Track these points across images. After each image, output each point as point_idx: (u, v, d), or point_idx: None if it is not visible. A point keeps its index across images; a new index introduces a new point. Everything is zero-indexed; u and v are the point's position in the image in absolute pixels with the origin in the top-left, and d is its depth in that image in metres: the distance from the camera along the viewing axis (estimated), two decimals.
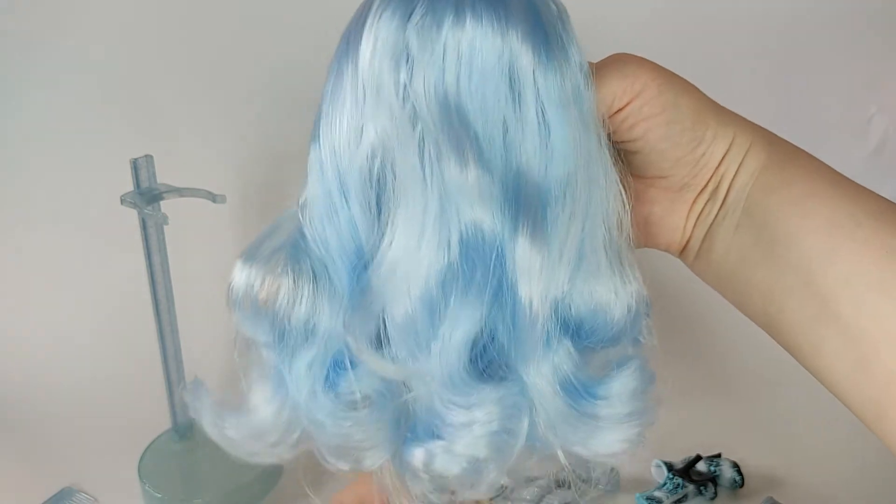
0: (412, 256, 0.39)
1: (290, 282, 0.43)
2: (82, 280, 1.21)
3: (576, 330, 0.44)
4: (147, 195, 0.86)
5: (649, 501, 0.97)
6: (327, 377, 0.43)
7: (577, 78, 0.43)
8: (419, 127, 0.39)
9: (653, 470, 1.05)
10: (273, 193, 1.14)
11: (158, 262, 0.90)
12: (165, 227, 0.88)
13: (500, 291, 0.40)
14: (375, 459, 0.44)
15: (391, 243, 0.40)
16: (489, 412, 0.41)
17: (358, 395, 0.42)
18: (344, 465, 0.44)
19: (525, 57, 0.40)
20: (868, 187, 0.55)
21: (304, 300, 0.43)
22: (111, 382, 1.14)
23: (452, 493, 0.47)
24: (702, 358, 1.31)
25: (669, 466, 1.02)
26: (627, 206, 0.47)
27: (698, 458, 1.04)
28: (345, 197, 0.41)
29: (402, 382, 0.44)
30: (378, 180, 0.40)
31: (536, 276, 0.40)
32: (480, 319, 0.40)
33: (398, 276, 0.39)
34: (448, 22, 0.39)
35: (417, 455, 0.43)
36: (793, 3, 1.30)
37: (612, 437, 0.48)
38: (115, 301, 1.19)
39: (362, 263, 0.42)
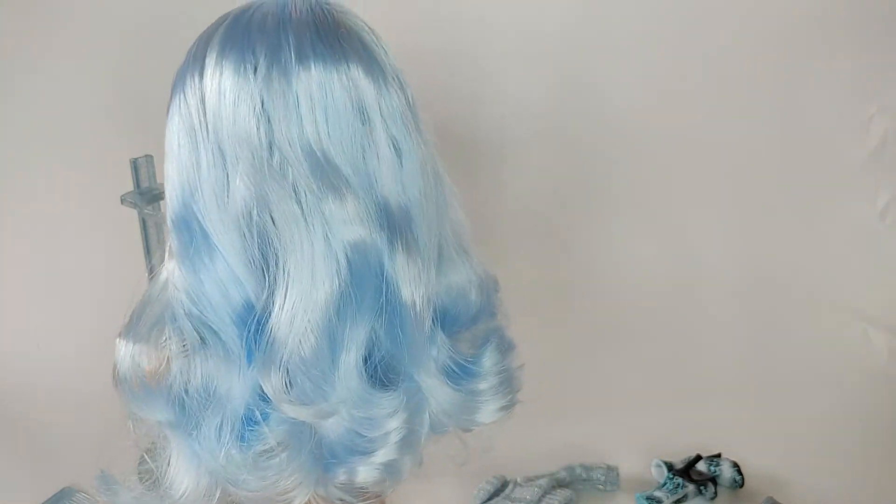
0: (309, 296, 0.41)
1: (180, 352, 0.43)
2: (82, 280, 1.21)
3: (443, 319, 0.47)
4: (147, 195, 0.86)
5: (649, 501, 0.97)
6: (241, 436, 0.43)
7: (409, 99, 0.46)
8: (290, 176, 0.41)
9: (653, 470, 1.05)
10: None
11: (158, 262, 0.90)
12: (165, 227, 0.88)
13: (388, 303, 0.43)
14: (303, 496, 0.45)
15: (286, 290, 0.41)
16: (399, 418, 0.44)
17: (274, 443, 0.43)
18: None
19: (369, 89, 0.42)
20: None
21: (198, 368, 0.43)
22: (111, 382, 1.14)
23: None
24: (702, 359, 1.31)
25: (669, 466, 1.02)
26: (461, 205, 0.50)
27: (698, 458, 1.04)
28: (224, 257, 0.41)
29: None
30: (258, 233, 0.41)
31: (416, 282, 0.43)
32: (371, 336, 0.43)
33: (298, 318, 0.41)
34: (296, 72, 0.41)
35: (340, 476, 0.45)
36: (793, 4, 1.30)
37: (492, 407, 0.50)
38: (115, 301, 1.19)
39: (254, 318, 0.42)
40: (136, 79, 1.18)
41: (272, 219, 0.41)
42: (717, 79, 1.34)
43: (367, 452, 0.44)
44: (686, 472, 1.01)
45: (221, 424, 0.42)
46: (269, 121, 0.41)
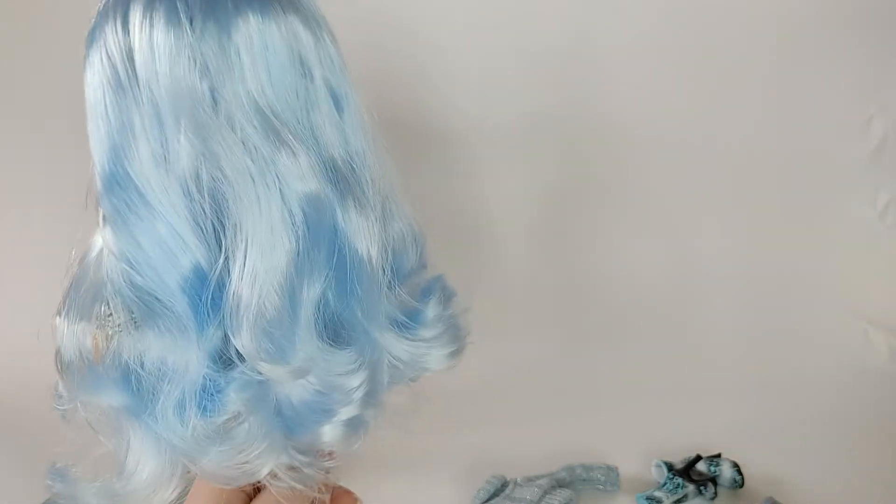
0: (269, 254, 0.40)
1: (128, 326, 0.40)
2: None
3: (389, 271, 0.47)
4: None
5: (649, 501, 0.97)
6: (203, 409, 0.40)
7: (339, 50, 0.45)
8: (239, 132, 0.39)
9: (653, 470, 1.05)
10: None
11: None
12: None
13: (342, 259, 0.42)
14: (269, 465, 0.43)
15: (245, 250, 0.39)
16: (362, 375, 0.43)
17: (239, 410, 0.41)
18: (235, 483, 0.43)
19: (308, 40, 0.42)
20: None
21: (149, 341, 0.40)
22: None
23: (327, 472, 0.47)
24: (702, 359, 1.31)
25: (669, 466, 1.02)
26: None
27: (698, 458, 1.04)
28: (167, 221, 0.39)
29: (268, 383, 0.43)
30: (209, 193, 0.39)
31: (369, 235, 0.43)
32: (321, 294, 0.42)
33: (260, 278, 0.39)
34: (235, 23, 0.39)
35: (305, 440, 0.44)
36: (793, 4, 1.30)
37: (442, 353, 0.49)
38: None
39: (206, 283, 0.40)
40: None
41: (223, 176, 0.39)
42: (716, 79, 1.34)
43: (331, 411, 0.43)
44: (686, 472, 1.01)
45: (182, 399, 0.40)
46: (211, 76, 0.39)
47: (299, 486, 0.44)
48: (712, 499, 1.00)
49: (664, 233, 1.40)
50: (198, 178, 0.39)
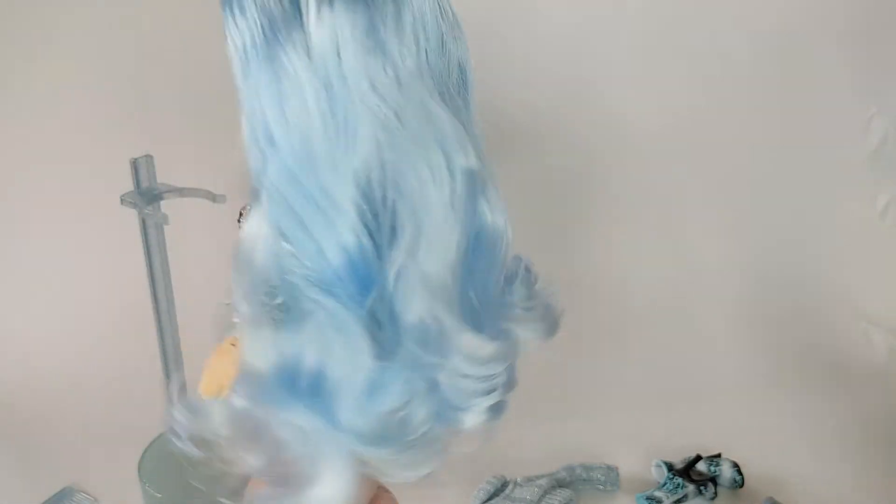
0: (440, 233, 0.38)
1: (296, 327, 0.39)
2: (82, 280, 1.21)
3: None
4: (147, 195, 0.86)
5: (649, 501, 0.97)
6: (373, 401, 0.40)
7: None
8: (410, 124, 0.37)
9: (653, 470, 1.05)
10: None
11: (158, 262, 0.90)
12: (165, 226, 0.88)
13: (483, 235, 0.41)
14: (435, 459, 0.44)
15: (419, 227, 0.38)
16: (503, 359, 0.43)
17: (405, 400, 0.40)
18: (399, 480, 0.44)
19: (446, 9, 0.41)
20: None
21: (328, 340, 0.39)
22: (111, 382, 1.14)
23: None
24: (702, 359, 1.31)
25: (669, 466, 1.02)
26: None
27: (698, 458, 1.04)
28: (342, 211, 0.37)
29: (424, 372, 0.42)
30: (379, 189, 0.37)
31: (504, 211, 0.42)
32: (471, 269, 0.41)
33: (435, 253, 0.38)
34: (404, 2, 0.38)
35: (456, 426, 0.44)
36: (793, 5, 1.30)
37: (540, 329, 0.49)
38: (114, 301, 1.19)
39: (369, 264, 0.37)
40: (137, 79, 1.18)
41: (396, 173, 0.38)
42: (716, 79, 1.34)
43: (480, 396, 0.43)
44: (686, 472, 1.01)
45: (354, 393, 0.39)
46: (388, 58, 0.37)
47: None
48: (712, 499, 1.00)
49: (664, 233, 1.40)
50: (370, 175, 0.37)
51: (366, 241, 0.38)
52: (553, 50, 1.32)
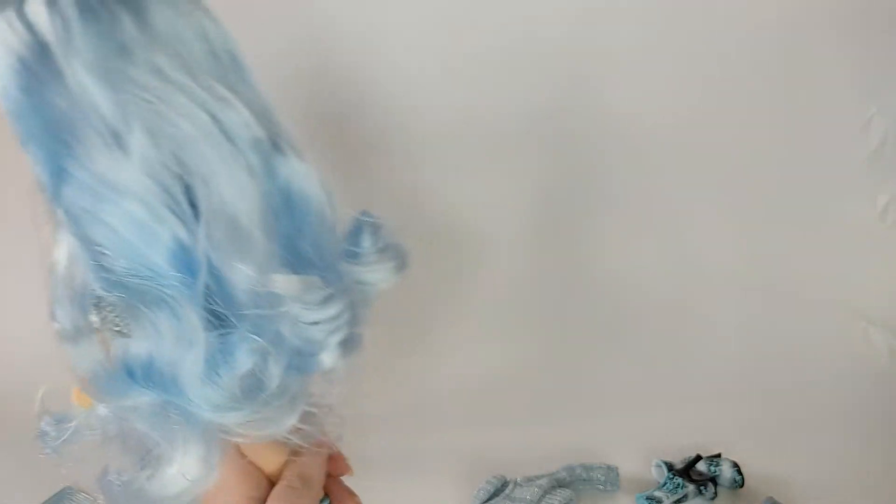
0: (238, 196, 0.41)
1: (125, 321, 0.41)
2: None
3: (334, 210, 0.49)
4: None
5: (649, 501, 0.97)
6: (221, 371, 0.41)
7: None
8: (187, 91, 0.40)
9: (653, 470, 1.05)
10: None
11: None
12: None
13: (292, 200, 0.44)
14: (293, 413, 0.45)
15: (219, 195, 0.40)
16: (339, 302, 0.45)
17: (254, 361, 0.41)
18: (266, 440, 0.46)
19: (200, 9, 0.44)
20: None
21: (151, 327, 0.40)
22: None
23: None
24: (702, 359, 1.31)
25: (669, 466, 1.02)
26: None
27: (698, 458, 1.04)
28: (140, 199, 0.39)
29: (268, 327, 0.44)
30: (173, 158, 0.39)
31: (310, 176, 0.44)
32: (285, 230, 0.44)
33: (236, 214, 0.41)
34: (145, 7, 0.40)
35: (311, 374, 0.46)
36: (793, 4, 1.30)
37: (388, 268, 0.51)
38: None
39: (189, 252, 0.40)
40: None
41: (182, 136, 0.40)
42: (716, 78, 1.34)
43: (323, 341, 0.45)
44: (686, 472, 1.01)
45: (203, 368, 0.40)
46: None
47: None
48: (712, 499, 1.00)
49: (664, 233, 1.40)
50: (157, 145, 0.39)
51: (177, 226, 0.40)
52: (553, 48, 1.32)
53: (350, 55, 1.28)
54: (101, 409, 0.45)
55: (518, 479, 1.01)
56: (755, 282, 1.39)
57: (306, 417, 0.47)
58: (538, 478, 1.01)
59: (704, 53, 1.32)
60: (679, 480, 0.99)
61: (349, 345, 0.46)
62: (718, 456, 1.04)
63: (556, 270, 1.40)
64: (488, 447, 1.11)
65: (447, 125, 1.34)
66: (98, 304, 0.41)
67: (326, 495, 0.52)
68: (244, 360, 0.41)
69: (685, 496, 0.99)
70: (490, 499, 0.99)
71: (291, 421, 0.45)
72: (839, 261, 1.37)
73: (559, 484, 1.01)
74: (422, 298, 1.34)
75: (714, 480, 1.01)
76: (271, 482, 0.48)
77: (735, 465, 1.02)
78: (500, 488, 1.01)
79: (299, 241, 0.44)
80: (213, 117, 0.40)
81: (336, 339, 0.45)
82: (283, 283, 0.42)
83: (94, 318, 0.42)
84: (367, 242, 0.50)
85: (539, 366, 1.31)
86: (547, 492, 0.98)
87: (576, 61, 1.33)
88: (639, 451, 1.08)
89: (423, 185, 1.34)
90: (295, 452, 0.49)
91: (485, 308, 1.38)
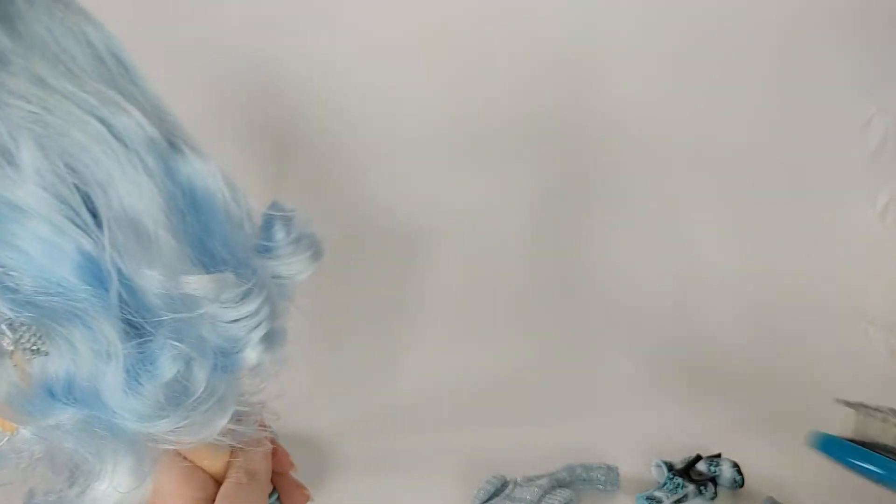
0: (138, 199, 0.40)
1: (39, 339, 0.39)
2: None
3: (243, 206, 0.48)
4: None
5: (649, 501, 0.97)
6: (143, 380, 0.40)
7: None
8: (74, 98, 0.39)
9: (653, 470, 1.05)
10: (271, 192, 1.14)
11: None
12: None
13: (196, 197, 0.43)
14: (225, 414, 0.44)
15: (120, 202, 0.39)
16: (256, 298, 0.45)
17: (178, 368, 0.41)
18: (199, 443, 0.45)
19: (77, 13, 0.43)
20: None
21: (66, 343, 0.39)
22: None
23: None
24: (702, 359, 1.31)
25: (669, 466, 1.02)
26: None
27: (698, 458, 1.04)
28: (41, 215, 0.37)
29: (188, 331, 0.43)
30: (67, 170, 0.38)
31: (211, 172, 0.43)
32: (191, 229, 0.43)
33: (139, 215, 0.40)
34: (19, 14, 0.39)
35: (238, 372, 0.45)
36: (792, 4, 1.30)
37: (304, 259, 0.51)
38: None
39: (95, 262, 0.39)
40: None
41: (75, 147, 0.38)
42: (716, 78, 1.34)
43: (244, 338, 0.44)
44: (686, 472, 1.01)
45: (124, 379, 0.39)
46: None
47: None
48: (712, 499, 1.00)
49: (664, 233, 1.40)
50: (48, 157, 0.38)
51: (80, 238, 0.38)
52: (552, 48, 1.32)
53: (350, 55, 1.28)
54: (24, 432, 0.43)
55: (518, 479, 1.01)
56: (754, 282, 1.39)
57: (239, 416, 0.46)
58: (538, 478, 1.01)
59: (704, 53, 1.32)
60: (679, 480, 0.99)
61: (273, 339, 0.46)
62: (718, 456, 1.04)
63: (555, 270, 1.40)
64: (488, 447, 1.11)
65: (446, 125, 1.34)
66: (11, 326, 0.40)
67: (275, 489, 0.51)
68: (167, 368, 0.40)
69: (685, 496, 0.99)
70: (490, 499, 0.99)
71: (223, 422, 0.44)
72: (839, 260, 1.38)
73: (559, 484, 1.01)
74: (421, 298, 1.34)
75: (714, 480, 1.01)
76: (217, 482, 0.48)
77: (735, 465, 1.02)
78: (500, 488, 1.00)
79: (209, 240, 0.43)
80: (103, 122, 0.39)
81: (258, 334, 0.44)
82: (197, 283, 0.41)
83: (5, 340, 0.40)
84: (279, 235, 0.49)
85: (539, 365, 1.31)
86: (547, 492, 0.98)
87: (575, 61, 1.33)
88: (639, 451, 1.08)
89: (424, 185, 1.34)
90: (237, 449, 0.48)
91: (485, 308, 1.38)
